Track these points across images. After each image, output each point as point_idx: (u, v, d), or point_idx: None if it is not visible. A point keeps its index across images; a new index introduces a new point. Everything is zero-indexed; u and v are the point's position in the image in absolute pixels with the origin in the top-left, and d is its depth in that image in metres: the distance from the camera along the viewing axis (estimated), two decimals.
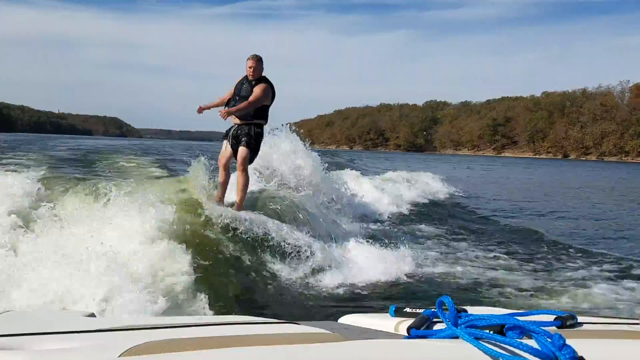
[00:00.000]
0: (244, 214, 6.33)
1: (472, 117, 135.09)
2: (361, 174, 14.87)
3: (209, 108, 6.83)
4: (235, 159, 6.63)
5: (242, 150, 6.48)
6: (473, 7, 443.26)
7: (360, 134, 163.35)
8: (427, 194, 14.74)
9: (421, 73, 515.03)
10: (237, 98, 6.55)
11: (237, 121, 6.60)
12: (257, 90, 6.44)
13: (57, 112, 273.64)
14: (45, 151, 23.08)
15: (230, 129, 6.67)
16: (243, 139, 6.49)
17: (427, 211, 12.13)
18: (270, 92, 6.61)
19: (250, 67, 6.50)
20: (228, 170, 6.78)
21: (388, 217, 10.46)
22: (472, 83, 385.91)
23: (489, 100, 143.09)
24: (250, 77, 6.53)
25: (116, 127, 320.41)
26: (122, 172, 14.38)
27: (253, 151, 6.59)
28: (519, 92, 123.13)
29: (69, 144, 35.72)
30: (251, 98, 6.39)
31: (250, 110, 6.46)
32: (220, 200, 6.67)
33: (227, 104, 6.66)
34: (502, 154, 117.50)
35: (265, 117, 6.68)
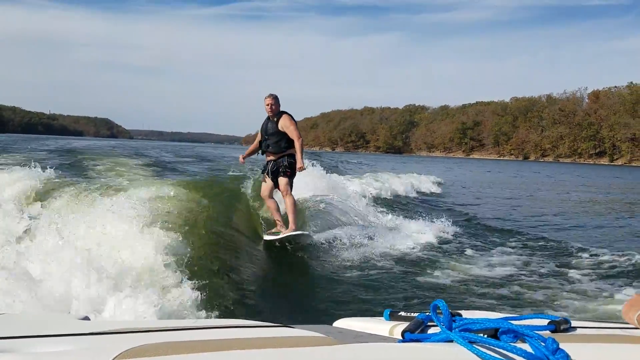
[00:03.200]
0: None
1: (446, 121, 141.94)
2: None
3: (249, 155, 7.67)
4: (278, 188, 7.26)
5: (282, 180, 7.10)
6: (464, 10, 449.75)
7: (342, 136, 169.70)
8: (414, 193, 15.39)
9: (409, 76, 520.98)
10: (267, 137, 7.18)
11: (272, 157, 7.19)
12: (290, 127, 7.03)
13: (48, 112, 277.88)
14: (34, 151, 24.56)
15: (267, 165, 7.26)
16: (281, 170, 7.09)
17: (416, 211, 12.09)
18: (294, 121, 7.22)
19: (268, 105, 7.02)
20: (273, 198, 7.44)
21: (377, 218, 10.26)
22: (458, 86, 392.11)
23: (465, 104, 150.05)
24: (270, 114, 7.09)
25: (107, 128, 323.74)
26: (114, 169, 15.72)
27: (291, 177, 7.19)
28: (503, 96, 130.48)
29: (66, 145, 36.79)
30: (295, 138, 7.01)
31: (298, 143, 7.07)
32: (282, 225, 7.27)
33: (260, 146, 7.35)
34: (471, 156, 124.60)
35: (294, 146, 7.15)
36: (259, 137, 7.43)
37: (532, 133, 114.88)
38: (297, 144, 7.04)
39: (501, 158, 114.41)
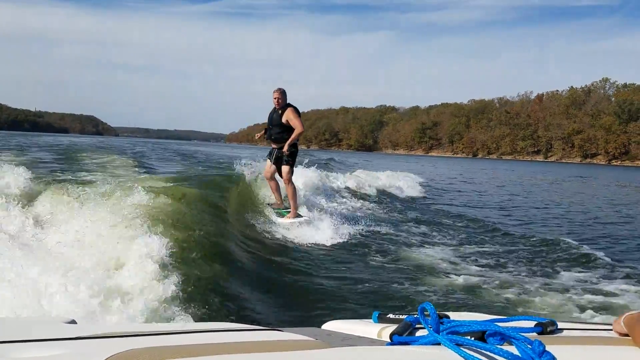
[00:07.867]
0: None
1: (411, 121, 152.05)
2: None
3: (261, 136, 8.59)
4: (279, 174, 8.10)
5: (284, 168, 7.92)
6: (453, 9, 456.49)
7: (316, 135, 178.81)
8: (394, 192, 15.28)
9: (390, 76, 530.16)
10: (272, 127, 8.11)
11: (275, 145, 8.10)
12: (294, 119, 7.88)
13: (34, 110, 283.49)
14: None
15: (272, 151, 8.20)
16: (284, 158, 7.93)
17: (397, 212, 11.94)
18: (298, 113, 8.03)
19: (275, 98, 7.91)
20: (274, 179, 8.32)
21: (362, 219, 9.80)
22: (433, 87, 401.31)
23: (430, 106, 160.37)
24: (277, 107, 7.96)
25: (92, 126, 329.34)
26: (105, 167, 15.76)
27: (292, 165, 8.05)
28: (477, 97, 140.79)
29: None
30: (296, 128, 7.87)
31: (296, 134, 7.90)
32: (281, 203, 8.28)
33: (266, 132, 8.30)
34: (430, 153, 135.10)
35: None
36: (265, 125, 8.38)
37: (481, 133, 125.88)
38: (295, 131, 7.89)
39: (455, 155, 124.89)
